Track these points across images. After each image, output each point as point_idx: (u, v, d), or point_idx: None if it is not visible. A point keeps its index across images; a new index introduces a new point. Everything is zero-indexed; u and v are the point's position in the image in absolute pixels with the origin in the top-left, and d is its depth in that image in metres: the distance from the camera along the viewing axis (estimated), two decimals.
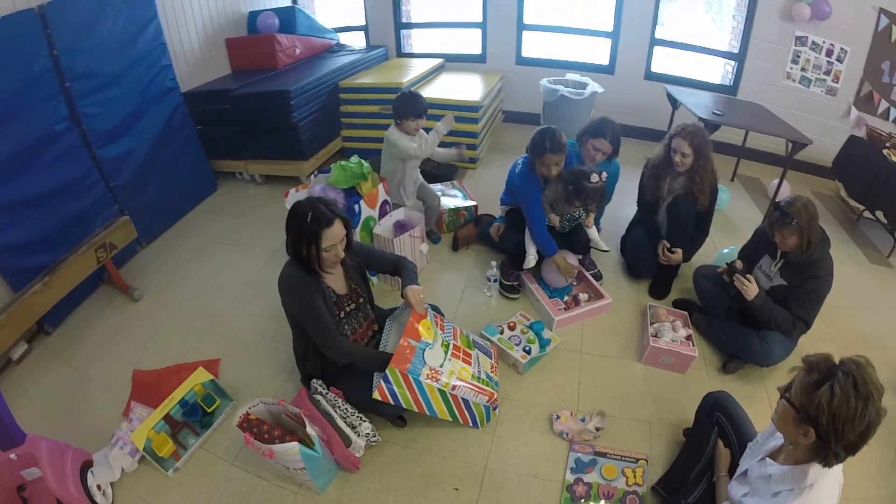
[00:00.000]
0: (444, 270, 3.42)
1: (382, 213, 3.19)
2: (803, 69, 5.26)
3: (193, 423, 2.32)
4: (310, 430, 1.96)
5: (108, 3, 3.38)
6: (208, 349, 2.80)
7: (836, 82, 5.20)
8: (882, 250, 4.16)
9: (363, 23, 6.17)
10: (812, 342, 2.73)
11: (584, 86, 4.94)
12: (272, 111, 4.23)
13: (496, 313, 3.02)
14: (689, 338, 2.74)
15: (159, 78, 3.85)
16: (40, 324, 2.92)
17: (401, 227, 3.27)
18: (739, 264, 2.60)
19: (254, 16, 5.05)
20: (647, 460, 2.22)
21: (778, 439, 1.63)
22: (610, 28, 5.53)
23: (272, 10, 5.12)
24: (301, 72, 4.75)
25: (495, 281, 3.11)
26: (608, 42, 5.61)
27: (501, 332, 2.75)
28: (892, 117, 5.12)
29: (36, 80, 2.92)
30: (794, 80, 5.33)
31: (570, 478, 2.16)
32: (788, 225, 2.33)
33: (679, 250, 3.10)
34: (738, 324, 2.73)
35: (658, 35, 5.52)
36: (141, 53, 3.66)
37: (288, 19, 5.17)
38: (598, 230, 3.21)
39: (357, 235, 2.99)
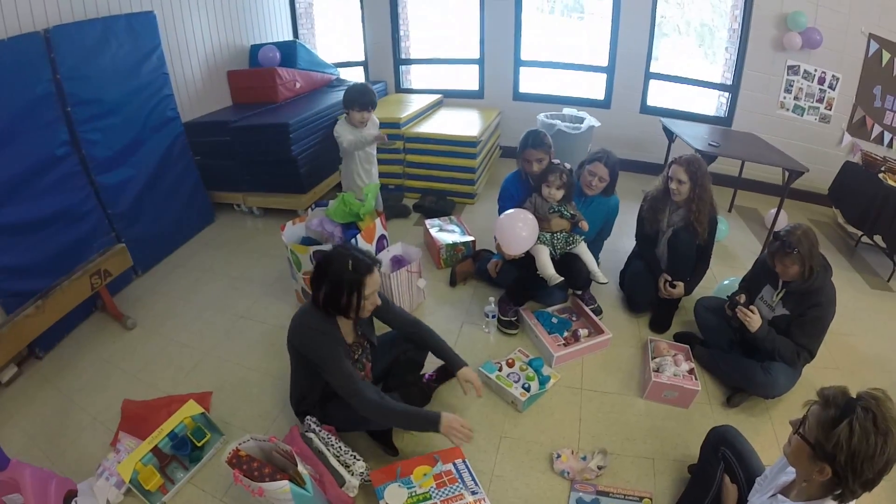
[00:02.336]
0: (442, 306, 3.39)
1: (379, 248, 3.18)
2: (796, 98, 5.32)
3: (182, 456, 2.26)
4: (301, 468, 1.91)
5: (113, 31, 3.44)
6: (200, 382, 2.77)
7: (829, 109, 5.26)
8: (882, 275, 4.17)
9: (363, 58, 6.27)
10: (816, 370, 2.72)
11: (580, 120, 4.99)
12: (271, 144, 4.26)
13: (494, 350, 2.98)
14: (691, 371, 2.69)
15: (161, 107, 3.88)
16: (31, 348, 2.88)
17: (398, 262, 3.25)
18: (742, 297, 2.57)
19: (255, 49, 5.12)
20: (651, 498, 2.16)
21: (789, 474, 1.58)
22: (605, 63, 5.62)
23: (274, 43, 5.18)
24: (301, 105, 4.80)
25: (493, 317, 3.07)
26: (604, 77, 5.69)
27: (500, 369, 2.71)
28: (885, 141, 5.19)
29: (38, 103, 2.95)
30: (787, 109, 5.39)
31: None
32: (789, 254, 2.33)
33: (680, 284, 3.09)
34: (740, 355, 2.69)
35: (653, 69, 5.59)
36: (143, 82, 3.71)
37: (289, 53, 5.23)
38: (598, 264, 3.20)
39: None
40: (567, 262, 3.06)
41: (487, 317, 3.06)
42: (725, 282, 3.34)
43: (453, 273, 3.56)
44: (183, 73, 4.33)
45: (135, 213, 3.64)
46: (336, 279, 1.96)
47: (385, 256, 3.20)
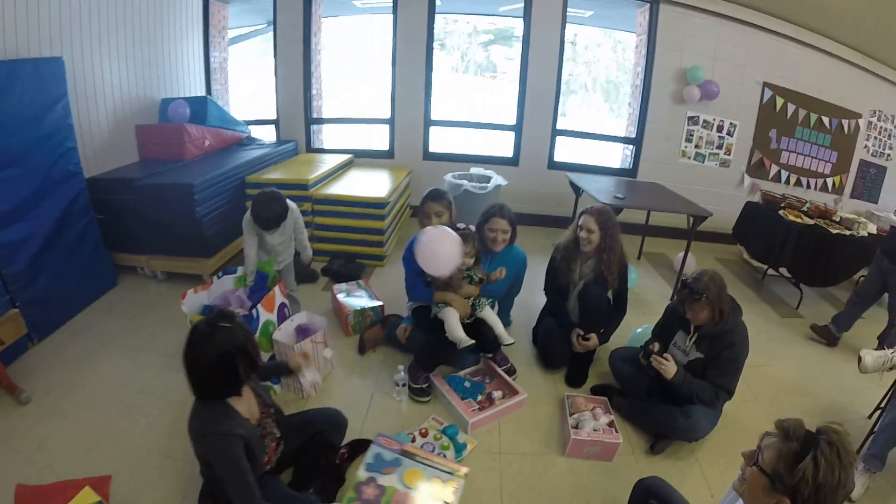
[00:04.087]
0: (351, 375, 3.18)
1: (281, 317, 2.97)
2: (697, 146, 5.69)
3: None
4: None
5: (18, 77, 3.21)
6: (98, 464, 2.46)
7: (729, 154, 5.69)
8: (790, 303, 4.40)
9: (275, 116, 6.16)
10: (737, 405, 2.78)
11: (487, 179, 5.05)
12: (175, 205, 4.03)
13: (407, 419, 2.80)
14: (611, 424, 2.65)
15: (63, 161, 3.61)
16: None
17: (302, 332, 3.03)
18: (655, 346, 2.60)
19: (166, 103, 4.95)
20: (466, 475, 1.98)
21: None
22: (513, 121, 5.79)
23: (184, 99, 5.04)
24: (208, 164, 4.62)
25: (404, 385, 2.91)
26: (512, 135, 5.85)
27: (413, 440, 2.53)
28: (783, 179, 5.67)
29: None
30: (689, 158, 5.74)
31: (362, 475, 1.87)
32: (698, 300, 2.39)
33: (593, 335, 3.06)
34: (660, 402, 2.68)
35: (560, 125, 5.82)
36: (46, 132, 3.45)
37: (199, 110, 5.09)
38: (508, 324, 3.12)
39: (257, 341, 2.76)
40: (473, 326, 2.96)
41: (398, 385, 2.90)
42: (638, 330, 3.37)
43: (362, 340, 3.36)
44: (89, 125, 4.13)
45: (31, 274, 3.32)
46: (210, 357, 1.74)
47: (288, 326, 2.99)
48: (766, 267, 4.79)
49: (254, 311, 2.74)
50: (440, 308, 2.93)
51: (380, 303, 3.64)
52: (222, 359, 1.73)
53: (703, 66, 5.37)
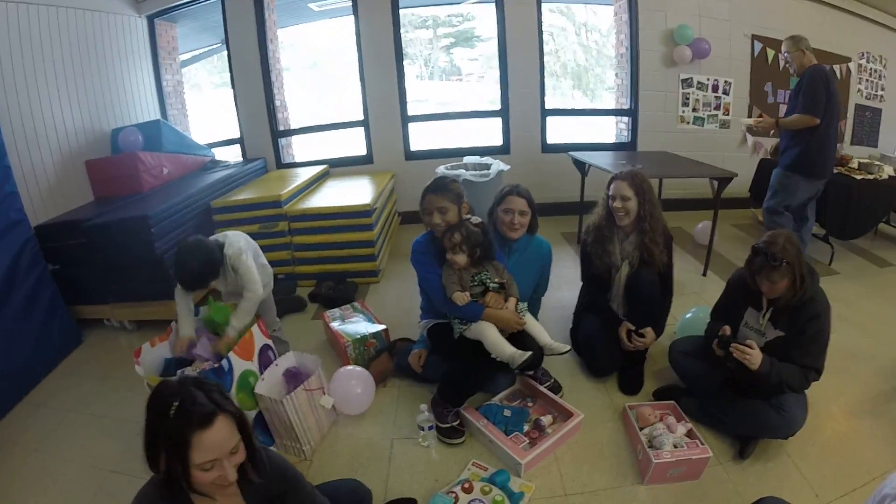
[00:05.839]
0: (361, 423, 2.63)
1: (265, 363, 2.41)
2: (694, 109, 5.61)
3: None
4: None
5: None
6: None
7: (727, 114, 5.67)
8: (822, 260, 4.27)
9: (238, 135, 5.71)
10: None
11: (487, 167, 4.60)
12: (131, 242, 3.57)
13: (441, 469, 2.26)
14: (690, 433, 2.21)
15: (2, 208, 3.24)
16: None
17: (293, 378, 2.48)
18: (727, 330, 2.20)
19: (117, 134, 4.56)
20: None
21: None
22: (498, 106, 5.50)
23: (135, 125, 4.67)
24: (167, 193, 4.18)
25: (430, 428, 2.36)
26: (499, 121, 5.56)
27: (456, 500, 1.97)
28: None
29: None
30: (688, 122, 5.65)
31: None
32: (777, 268, 2.07)
33: (649, 329, 2.62)
34: (740, 398, 2.28)
35: (548, 105, 5.56)
36: None
37: (153, 136, 4.69)
38: None
39: (234, 399, 2.22)
40: (510, 340, 2.40)
41: (422, 429, 2.35)
42: (688, 315, 2.97)
43: None
44: (32, 165, 3.83)
45: None
46: (153, 428, 1.23)
47: (274, 374, 2.43)
48: None
49: (225, 361, 2.19)
50: (465, 325, 2.40)
51: (382, 326, 3.11)
52: (171, 443, 1.21)
53: (689, 23, 5.25)
